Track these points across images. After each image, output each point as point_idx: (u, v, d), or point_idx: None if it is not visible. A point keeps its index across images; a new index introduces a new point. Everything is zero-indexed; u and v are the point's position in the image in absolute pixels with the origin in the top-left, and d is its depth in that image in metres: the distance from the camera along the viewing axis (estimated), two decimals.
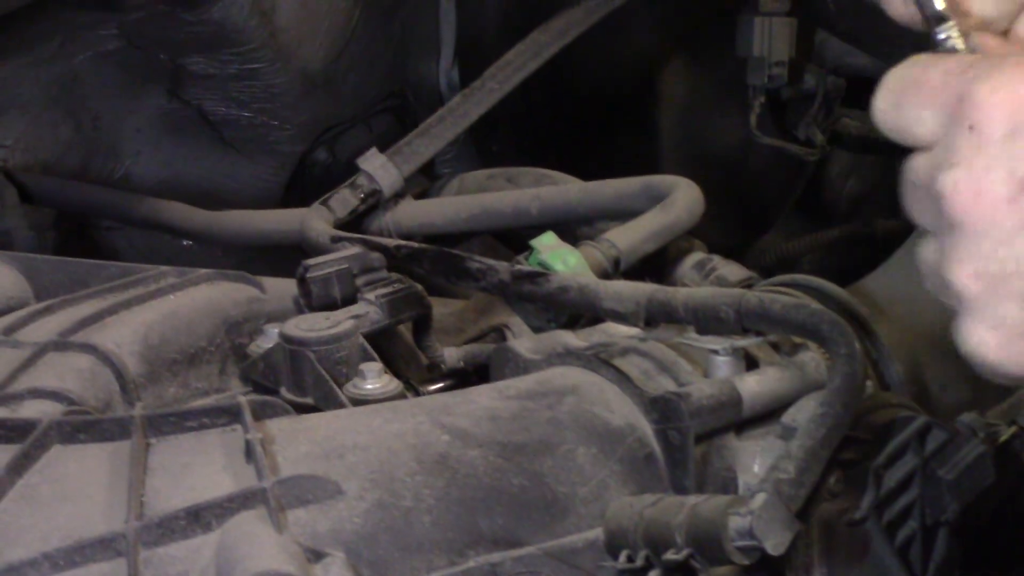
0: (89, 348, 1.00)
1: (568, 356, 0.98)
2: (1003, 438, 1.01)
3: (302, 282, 1.13)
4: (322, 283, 1.12)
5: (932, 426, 0.95)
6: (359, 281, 1.14)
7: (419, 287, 1.14)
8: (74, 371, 0.97)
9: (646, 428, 0.90)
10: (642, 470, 0.89)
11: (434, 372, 1.15)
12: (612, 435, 0.89)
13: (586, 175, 1.58)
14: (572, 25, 1.74)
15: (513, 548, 0.81)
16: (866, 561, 0.90)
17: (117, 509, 0.76)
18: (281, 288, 1.18)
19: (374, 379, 1.00)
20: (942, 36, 0.70)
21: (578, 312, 1.11)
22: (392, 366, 1.07)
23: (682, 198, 1.40)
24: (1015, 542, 1.09)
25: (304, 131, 1.93)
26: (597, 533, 0.84)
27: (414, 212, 1.60)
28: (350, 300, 1.13)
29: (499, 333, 1.24)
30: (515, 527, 0.82)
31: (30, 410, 0.91)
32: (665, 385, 0.93)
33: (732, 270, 1.36)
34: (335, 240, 1.36)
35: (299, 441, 0.83)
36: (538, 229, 1.32)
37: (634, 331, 1.02)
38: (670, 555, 0.78)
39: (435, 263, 1.19)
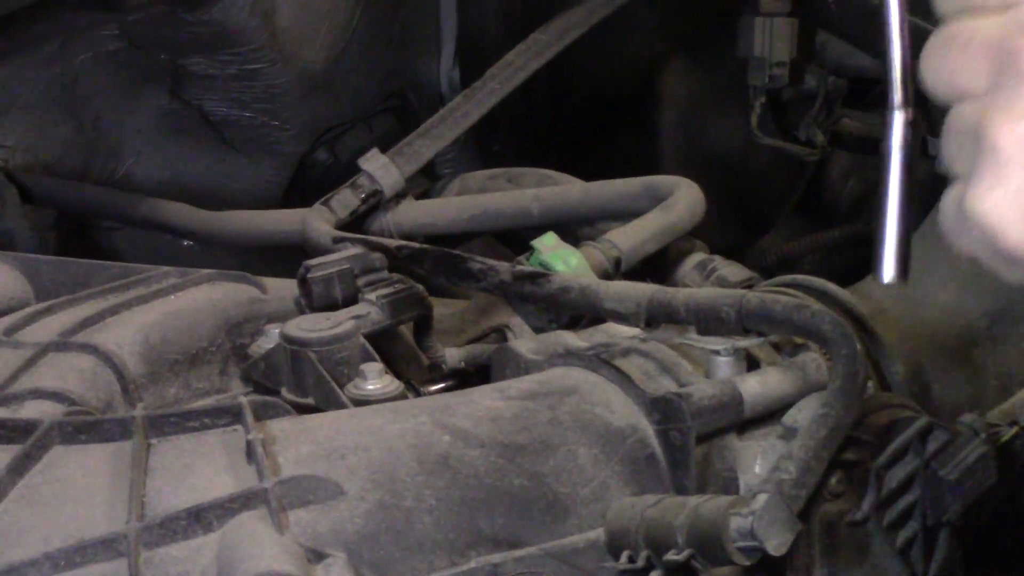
0: (90, 348, 1.00)
1: (569, 356, 0.98)
2: (1004, 439, 1.01)
3: (303, 282, 1.13)
4: (323, 283, 1.12)
5: (933, 427, 0.95)
6: (360, 281, 1.14)
7: (420, 287, 1.14)
8: (75, 371, 0.97)
9: (647, 429, 0.90)
10: (643, 471, 0.89)
11: (435, 372, 1.15)
12: (613, 435, 0.89)
13: (587, 175, 1.58)
14: (573, 25, 1.74)
15: (514, 548, 0.81)
16: (867, 562, 0.90)
17: (118, 509, 0.76)
18: (282, 288, 1.18)
19: (375, 380, 1.00)
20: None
21: (579, 313, 1.11)
22: (393, 367, 1.07)
23: (683, 198, 1.40)
24: (1016, 542, 1.09)
25: (305, 131, 1.93)
26: (598, 533, 0.84)
27: (415, 212, 1.60)
28: (351, 300, 1.13)
29: (500, 334, 1.24)
30: (516, 527, 0.83)
31: (31, 410, 0.91)
32: (666, 386, 0.93)
33: (733, 271, 1.36)
34: (336, 240, 1.36)
35: (300, 442, 0.83)
36: (539, 229, 1.32)
37: (635, 331, 1.02)
38: (671, 555, 0.78)
39: (436, 263, 1.19)
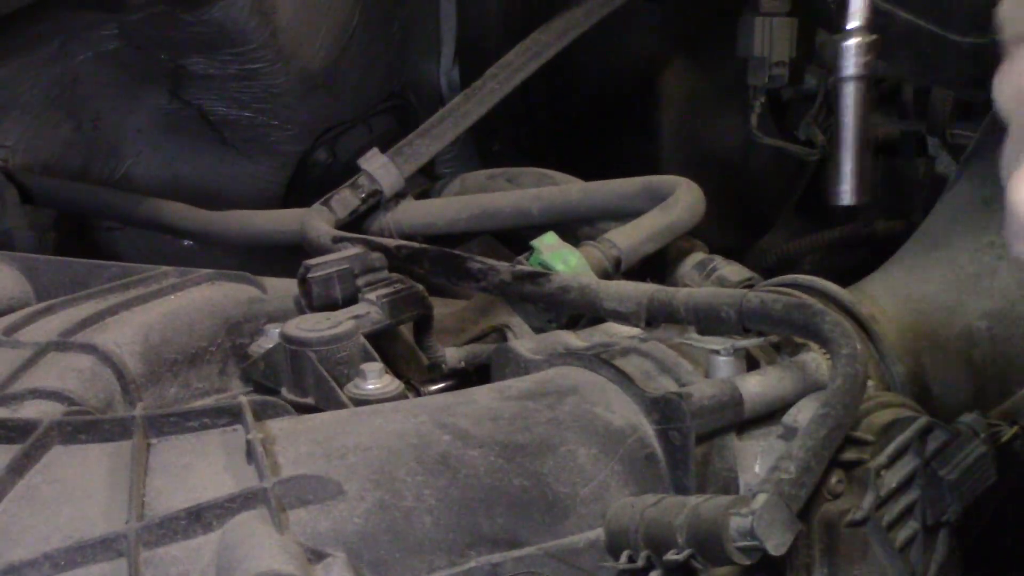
0: (90, 348, 1.00)
1: (569, 356, 0.98)
2: (1004, 439, 1.01)
3: (303, 282, 1.13)
4: (323, 283, 1.12)
5: (933, 426, 0.95)
6: (360, 281, 1.14)
7: (420, 287, 1.14)
8: (75, 371, 0.97)
9: (647, 428, 0.90)
10: (643, 470, 0.89)
11: (435, 372, 1.15)
12: (613, 435, 0.89)
13: (587, 175, 1.57)
14: (573, 25, 1.73)
15: (514, 548, 0.81)
16: (867, 561, 0.90)
17: (118, 509, 0.76)
18: (282, 288, 1.18)
19: (375, 379, 1.00)
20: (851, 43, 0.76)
21: (579, 312, 1.11)
22: (393, 366, 1.07)
23: (683, 198, 1.40)
24: (1016, 542, 1.09)
25: (304, 131, 1.93)
26: (598, 533, 0.84)
27: (415, 212, 1.60)
28: (351, 300, 1.13)
29: (500, 333, 1.24)
30: (516, 527, 0.83)
31: (31, 410, 0.91)
32: (666, 385, 0.93)
33: (733, 270, 1.36)
34: (336, 240, 1.36)
35: (300, 441, 0.83)
36: (539, 229, 1.32)
37: (635, 331, 1.02)
38: (671, 555, 0.78)
39: (436, 263, 1.19)
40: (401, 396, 0.99)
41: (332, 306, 1.11)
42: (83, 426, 0.83)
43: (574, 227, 1.48)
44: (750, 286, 1.29)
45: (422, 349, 1.15)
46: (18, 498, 0.77)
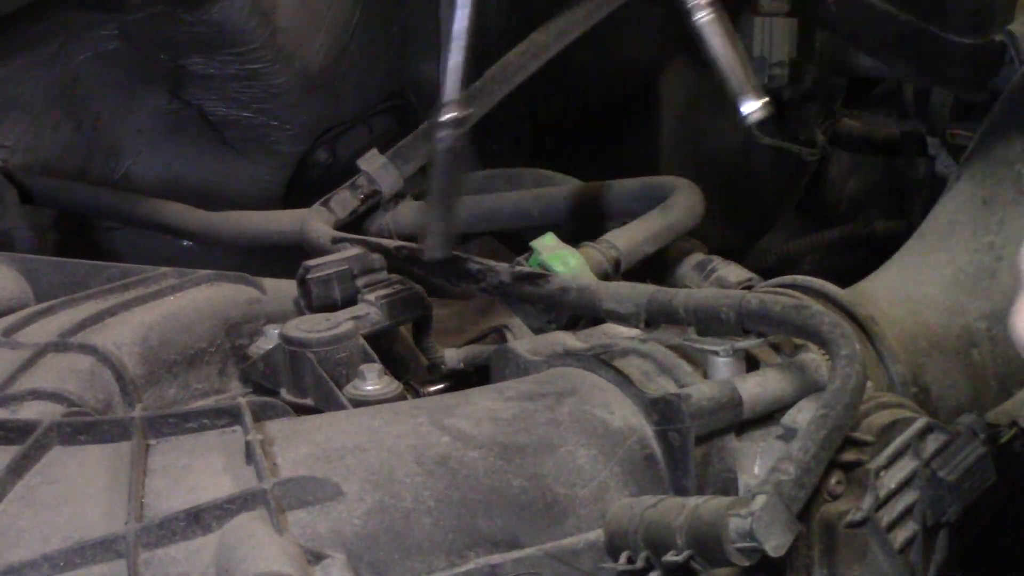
0: (89, 349, 1.00)
1: (568, 357, 0.98)
2: (1004, 439, 1.01)
3: (302, 283, 1.13)
4: (322, 284, 1.12)
5: (933, 427, 0.95)
6: (359, 282, 1.14)
7: (419, 288, 1.14)
8: (74, 372, 0.97)
9: (646, 429, 0.90)
10: (642, 471, 0.89)
11: (434, 373, 1.15)
12: (612, 436, 0.89)
13: (587, 175, 1.58)
14: (573, 26, 1.73)
15: (513, 549, 0.81)
16: (866, 562, 0.90)
17: (117, 510, 0.76)
18: (281, 289, 1.18)
19: (374, 380, 1.00)
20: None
21: (578, 313, 1.11)
22: (392, 367, 1.07)
23: (682, 199, 1.40)
24: (1016, 542, 1.09)
25: (304, 131, 1.93)
26: (597, 534, 0.84)
27: (414, 213, 1.60)
28: (350, 301, 1.13)
29: (499, 334, 1.24)
30: (515, 528, 0.82)
31: (30, 411, 0.91)
32: (665, 386, 0.93)
33: (732, 271, 1.36)
34: (335, 241, 1.36)
35: (299, 442, 0.83)
36: (539, 230, 1.32)
37: (634, 332, 1.02)
38: (670, 556, 0.78)
39: (435, 264, 1.19)
40: (400, 397, 0.99)
41: (331, 307, 1.11)
42: (82, 427, 0.83)
43: (574, 228, 1.48)
44: (749, 287, 1.30)
45: (421, 350, 1.15)
46: (17, 499, 0.77)
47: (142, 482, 0.78)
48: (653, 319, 0.98)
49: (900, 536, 0.93)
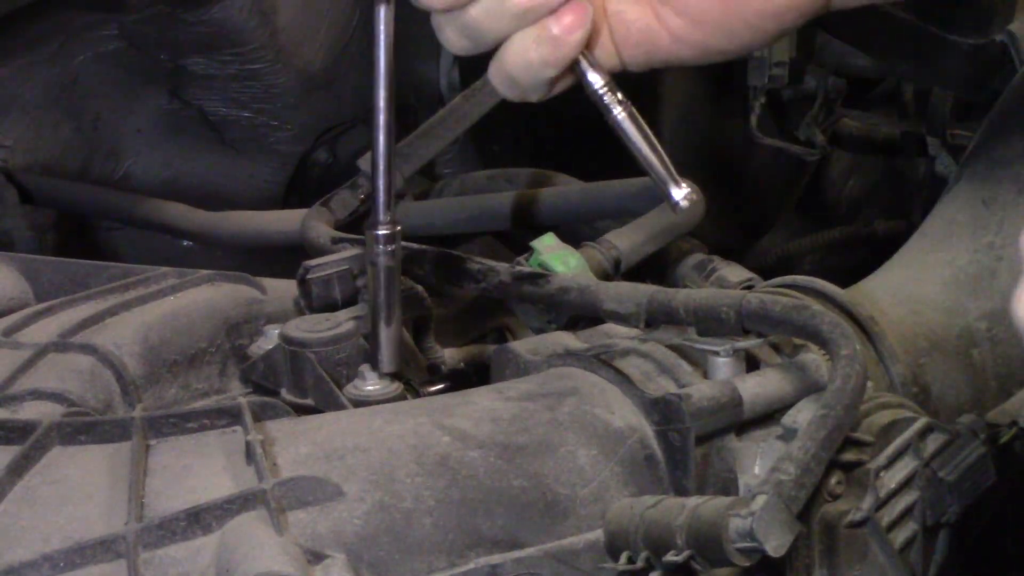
0: (89, 349, 1.00)
1: (568, 357, 0.98)
2: (1004, 439, 1.01)
3: (302, 283, 1.13)
4: (323, 284, 1.12)
5: (933, 427, 0.95)
6: (360, 282, 1.14)
7: (420, 288, 1.14)
8: (74, 372, 0.97)
9: (647, 429, 0.90)
10: (643, 471, 0.89)
11: (434, 373, 1.15)
12: (613, 436, 0.89)
13: (587, 176, 1.57)
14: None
15: (513, 549, 0.81)
16: (867, 562, 0.90)
17: (117, 510, 0.76)
18: (281, 289, 1.18)
19: (374, 380, 0.99)
20: (600, 92, 0.87)
21: (578, 313, 1.11)
22: None
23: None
24: (1016, 543, 1.09)
25: (304, 131, 1.93)
26: (598, 534, 0.84)
27: (414, 213, 1.60)
28: (351, 301, 1.13)
29: (499, 334, 1.24)
30: (515, 528, 0.83)
31: (30, 411, 0.91)
32: (666, 386, 0.93)
33: (732, 271, 1.36)
34: (335, 241, 1.36)
35: (299, 442, 0.83)
36: (538, 230, 1.32)
37: (634, 332, 1.02)
38: (671, 556, 0.78)
39: (436, 264, 1.19)
40: (400, 397, 0.99)
41: (332, 307, 1.11)
42: (82, 427, 0.83)
43: (574, 227, 1.48)
44: (750, 287, 1.30)
45: (421, 350, 1.15)
46: (17, 499, 0.77)
47: (142, 482, 0.78)
48: (653, 319, 0.98)
49: (900, 536, 0.93)
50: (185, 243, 1.83)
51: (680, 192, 0.87)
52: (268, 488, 0.76)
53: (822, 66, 2.11)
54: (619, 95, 0.88)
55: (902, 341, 1.11)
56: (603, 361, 0.95)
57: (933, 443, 0.95)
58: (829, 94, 2.13)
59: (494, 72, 0.86)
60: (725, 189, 2.05)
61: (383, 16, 0.88)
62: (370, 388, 0.99)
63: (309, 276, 1.12)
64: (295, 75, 1.81)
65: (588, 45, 0.85)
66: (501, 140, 1.99)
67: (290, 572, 0.69)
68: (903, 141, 2.17)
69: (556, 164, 1.64)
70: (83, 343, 1.01)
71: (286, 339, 1.04)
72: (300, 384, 1.04)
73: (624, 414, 0.91)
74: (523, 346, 1.03)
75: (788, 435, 0.89)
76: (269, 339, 1.09)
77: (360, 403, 0.97)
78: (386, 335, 0.95)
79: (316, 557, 0.74)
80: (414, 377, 1.10)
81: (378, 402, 0.97)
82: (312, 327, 1.05)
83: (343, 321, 1.05)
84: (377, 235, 0.94)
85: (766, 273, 1.34)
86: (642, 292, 0.99)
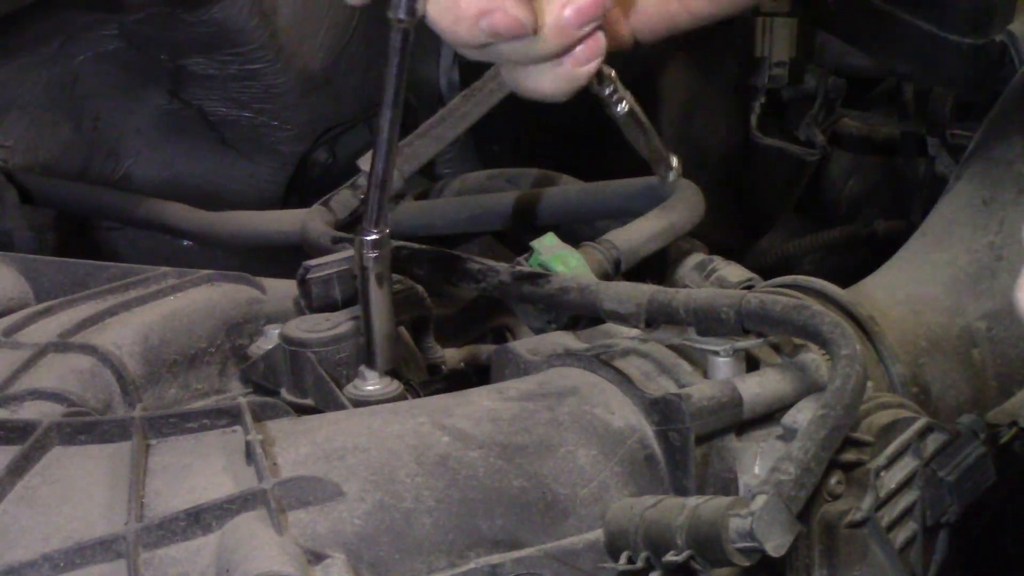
0: (89, 349, 1.00)
1: (568, 357, 0.98)
2: (1004, 439, 1.01)
3: (303, 283, 1.13)
4: (323, 284, 1.12)
5: (933, 427, 0.95)
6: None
7: (420, 288, 1.14)
8: (74, 372, 0.97)
9: (647, 429, 0.90)
10: (643, 471, 0.89)
11: (434, 373, 1.15)
12: (613, 436, 0.89)
13: (587, 176, 1.57)
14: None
15: (513, 549, 0.81)
16: (867, 562, 0.90)
17: (117, 510, 0.76)
18: (281, 289, 1.18)
19: (374, 380, 0.99)
20: (608, 92, 0.91)
21: (578, 313, 1.11)
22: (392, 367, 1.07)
23: (683, 199, 1.40)
24: (1016, 543, 1.09)
25: (304, 131, 1.93)
26: (597, 534, 0.84)
27: (414, 213, 1.60)
28: (351, 301, 1.13)
29: (499, 334, 1.24)
30: (515, 528, 0.83)
31: (30, 411, 0.91)
32: (666, 386, 0.93)
33: (733, 271, 1.36)
34: (336, 241, 1.36)
35: (299, 442, 0.83)
36: (538, 230, 1.32)
37: (634, 332, 1.02)
38: (671, 556, 0.78)
39: (435, 264, 1.19)
40: (400, 397, 0.99)
41: (332, 307, 1.11)
42: (82, 427, 0.83)
43: (574, 227, 1.48)
44: (750, 287, 1.29)
45: (421, 350, 1.15)
46: (17, 499, 0.77)
47: (142, 482, 0.78)
48: (653, 319, 0.98)
49: (900, 536, 0.93)
50: (185, 243, 1.83)
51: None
52: (268, 488, 0.76)
53: (822, 66, 2.11)
54: (619, 87, 0.91)
55: (902, 341, 1.11)
56: (603, 361, 0.95)
57: (933, 443, 0.95)
58: (829, 94, 2.13)
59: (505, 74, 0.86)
60: (725, 189, 2.05)
61: (398, 46, 0.86)
62: (370, 388, 0.99)
63: (309, 276, 1.12)
64: (295, 75, 1.81)
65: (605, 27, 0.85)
66: (501, 140, 1.99)
67: (290, 572, 0.69)
68: (903, 141, 2.17)
69: (556, 164, 1.64)
70: (83, 343, 1.01)
71: (286, 339, 1.04)
72: (300, 384, 1.04)
73: (624, 414, 0.91)
74: (523, 346, 1.03)
75: (788, 435, 0.89)
76: (269, 339, 1.09)
77: (360, 403, 0.97)
78: (378, 337, 0.95)
79: (316, 557, 0.74)
80: (414, 377, 1.10)
81: (378, 402, 0.97)
82: (312, 327, 1.05)
83: (343, 321, 1.05)
84: (364, 240, 0.94)
85: (766, 273, 1.34)
86: (642, 292, 0.99)
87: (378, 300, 0.96)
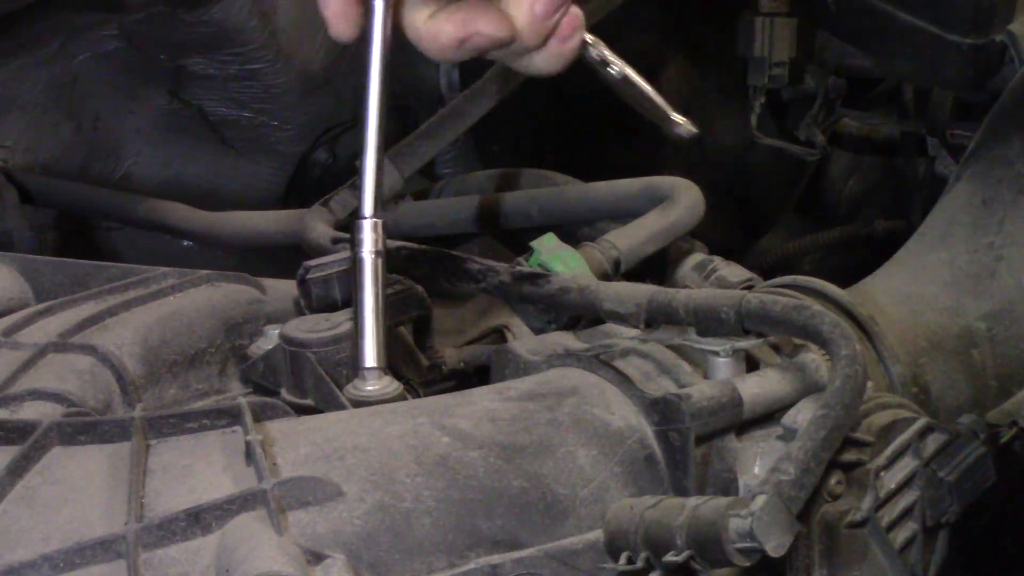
0: (89, 349, 1.00)
1: (568, 357, 0.98)
2: (1004, 439, 1.01)
3: (302, 283, 1.13)
4: (322, 284, 1.12)
5: (933, 427, 0.95)
6: None
7: (420, 288, 1.14)
8: (74, 372, 0.97)
9: (646, 429, 0.90)
10: (642, 471, 0.89)
11: (434, 373, 1.15)
12: (612, 436, 0.89)
13: (586, 176, 1.57)
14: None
15: (513, 550, 0.81)
16: (866, 562, 0.90)
17: (117, 511, 0.76)
18: (281, 289, 1.18)
19: (374, 381, 0.99)
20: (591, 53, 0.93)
21: (578, 313, 1.11)
22: (392, 367, 1.07)
23: (683, 199, 1.40)
24: (1016, 543, 1.09)
25: (304, 131, 1.93)
26: (597, 535, 0.84)
27: (414, 213, 1.60)
28: (351, 301, 1.13)
29: (499, 334, 1.24)
30: (515, 529, 0.82)
31: (30, 411, 0.91)
32: (666, 386, 0.93)
33: (733, 271, 1.36)
34: (335, 241, 1.36)
35: (299, 443, 0.83)
36: (539, 230, 1.32)
37: (634, 332, 1.02)
38: (670, 557, 0.78)
39: (435, 264, 1.19)
40: (400, 397, 0.99)
41: (331, 307, 1.11)
42: (82, 427, 0.83)
43: (574, 228, 1.48)
44: (750, 287, 1.30)
45: (421, 350, 1.15)
46: (17, 499, 0.77)
47: (142, 482, 0.78)
48: (653, 319, 0.98)
49: (900, 536, 0.93)
50: (185, 243, 1.83)
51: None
52: (268, 488, 0.76)
53: (822, 66, 2.11)
54: (607, 51, 0.93)
55: (902, 341, 1.11)
56: (603, 361, 0.95)
57: (933, 443, 0.95)
58: (829, 94, 2.13)
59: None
60: (725, 189, 2.05)
61: (379, 9, 0.88)
62: (370, 388, 0.98)
63: (309, 276, 1.12)
64: (295, 75, 1.81)
65: None
66: (501, 140, 1.99)
67: (290, 572, 0.69)
68: (903, 141, 2.18)
69: (556, 164, 1.64)
70: (83, 343, 1.01)
71: (286, 339, 1.04)
72: (300, 384, 1.04)
73: (624, 414, 0.91)
74: (523, 346, 1.03)
75: (788, 435, 0.89)
76: (269, 339, 1.09)
77: (360, 403, 0.97)
78: (373, 328, 0.94)
79: (316, 557, 0.74)
80: (414, 377, 1.10)
81: (378, 402, 0.97)
82: (312, 327, 1.05)
83: (343, 321, 1.05)
84: (361, 225, 0.93)
85: (766, 273, 1.34)
86: (642, 292, 0.99)
87: (373, 292, 0.94)
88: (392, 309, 1.11)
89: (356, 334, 0.94)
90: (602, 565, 0.83)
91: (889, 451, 0.92)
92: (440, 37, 0.84)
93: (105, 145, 1.86)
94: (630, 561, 0.81)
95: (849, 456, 0.89)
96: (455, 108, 1.68)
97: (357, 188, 1.55)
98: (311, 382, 1.03)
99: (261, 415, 0.86)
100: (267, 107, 1.84)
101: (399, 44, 0.91)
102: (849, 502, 0.89)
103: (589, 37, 0.91)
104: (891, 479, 0.92)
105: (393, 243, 1.27)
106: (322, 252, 1.27)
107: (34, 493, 0.77)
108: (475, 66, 1.81)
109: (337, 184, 1.60)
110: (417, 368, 1.13)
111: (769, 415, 0.92)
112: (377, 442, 0.83)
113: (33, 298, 1.19)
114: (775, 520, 0.74)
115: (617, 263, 1.31)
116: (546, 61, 0.89)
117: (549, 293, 1.08)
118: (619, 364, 0.95)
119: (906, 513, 0.94)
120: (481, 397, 0.92)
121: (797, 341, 0.97)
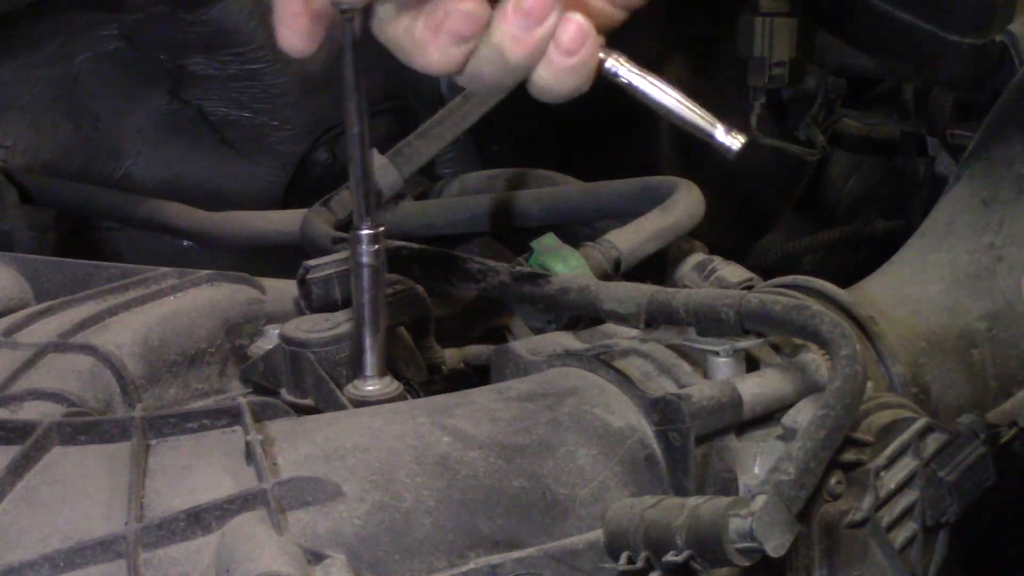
0: (89, 349, 1.00)
1: (568, 357, 0.98)
2: (1004, 439, 1.01)
3: (303, 283, 1.13)
4: (323, 284, 1.12)
5: (933, 427, 0.95)
6: None
7: (420, 288, 1.14)
8: (74, 372, 0.97)
9: (647, 429, 0.90)
10: (642, 471, 0.89)
11: (434, 373, 1.15)
12: (612, 436, 0.89)
13: (586, 176, 1.57)
14: None
15: (513, 549, 0.81)
16: (867, 562, 0.90)
17: (117, 511, 0.76)
18: (282, 289, 1.18)
19: (374, 380, 0.99)
20: (612, 69, 0.87)
21: (578, 313, 1.11)
22: (392, 367, 1.07)
23: (683, 199, 1.40)
24: (1016, 543, 1.09)
25: (304, 131, 1.93)
26: (597, 534, 0.84)
27: (414, 213, 1.60)
28: (351, 301, 1.13)
29: (499, 334, 1.24)
30: (515, 528, 0.83)
31: (30, 411, 0.91)
32: (666, 386, 0.93)
33: (732, 271, 1.36)
34: (336, 241, 1.36)
35: (299, 443, 0.83)
36: (538, 230, 1.32)
37: (634, 332, 1.02)
38: (670, 556, 0.78)
39: (435, 264, 1.19)
40: (400, 397, 0.99)
41: (332, 307, 1.11)
42: (82, 427, 0.83)
43: (574, 228, 1.48)
44: (750, 287, 1.29)
45: (421, 350, 1.15)
46: (17, 499, 0.77)
47: (142, 482, 0.78)
48: (653, 319, 0.98)
49: (900, 536, 0.93)
50: (185, 243, 1.83)
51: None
52: (268, 488, 0.76)
53: (822, 66, 2.11)
54: (630, 65, 0.88)
55: (902, 341, 1.11)
56: (603, 361, 0.95)
57: (933, 443, 0.95)
58: (829, 94, 2.13)
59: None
60: (726, 190, 2.05)
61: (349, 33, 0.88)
62: (370, 388, 0.99)
63: (309, 276, 1.12)
64: (295, 75, 1.80)
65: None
66: (501, 140, 1.99)
67: (290, 572, 0.69)
68: (903, 141, 2.18)
69: (556, 164, 1.64)
70: (83, 343, 1.01)
71: (286, 339, 1.04)
72: (300, 384, 1.04)
73: (624, 414, 0.91)
74: (523, 346, 1.03)
75: (788, 435, 0.89)
76: (269, 339, 1.09)
77: (360, 403, 0.97)
78: (371, 337, 0.95)
79: (316, 557, 0.74)
80: (414, 377, 1.10)
81: (378, 402, 0.97)
82: (312, 327, 1.05)
83: (343, 321, 1.05)
84: (360, 235, 0.93)
85: (766, 273, 1.34)
86: (642, 292, 0.99)
87: (371, 301, 0.95)
88: (392, 309, 1.11)
89: (355, 345, 0.95)
90: (602, 565, 0.83)
91: (889, 451, 0.92)
92: (433, 65, 0.84)
93: (105, 145, 1.86)
94: (630, 561, 0.81)
95: (849, 456, 0.89)
96: (455, 108, 1.68)
97: None
98: (311, 382, 1.03)
99: (261, 415, 0.86)
100: (267, 107, 1.84)
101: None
102: (849, 502, 0.89)
103: (613, 53, 0.86)
104: (891, 479, 0.92)
105: (393, 243, 1.27)
106: (322, 252, 1.27)
107: (34, 493, 0.77)
108: None
109: (337, 184, 1.60)
110: (417, 368, 1.13)
111: (769, 415, 0.92)
112: (377, 442, 0.83)
113: (33, 298, 1.19)
114: (775, 520, 0.74)
115: (617, 263, 1.31)
116: (556, 77, 0.82)
117: (549, 293, 1.09)
118: (619, 364, 0.95)
119: (906, 513, 0.94)
120: (481, 397, 0.92)
121: (797, 341, 0.97)
